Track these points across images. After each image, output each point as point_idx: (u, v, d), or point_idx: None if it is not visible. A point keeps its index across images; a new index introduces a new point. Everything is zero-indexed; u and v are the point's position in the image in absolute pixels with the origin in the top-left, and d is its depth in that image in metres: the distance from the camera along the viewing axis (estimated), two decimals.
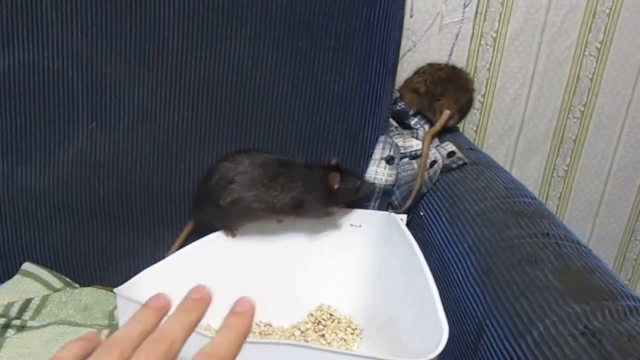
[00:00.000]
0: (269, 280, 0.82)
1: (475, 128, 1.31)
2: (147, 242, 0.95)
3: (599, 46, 1.25)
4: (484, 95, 1.29)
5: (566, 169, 1.37)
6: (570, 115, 1.32)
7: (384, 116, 0.96)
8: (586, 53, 1.26)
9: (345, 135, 0.95)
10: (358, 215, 0.88)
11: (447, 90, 1.01)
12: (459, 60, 1.24)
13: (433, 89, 1.02)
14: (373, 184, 0.91)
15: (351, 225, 0.88)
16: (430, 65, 1.08)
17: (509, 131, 1.32)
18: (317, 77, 0.92)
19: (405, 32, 1.21)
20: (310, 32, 0.90)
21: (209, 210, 0.86)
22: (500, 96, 1.29)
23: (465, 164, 0.88)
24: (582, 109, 1.32)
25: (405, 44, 1.23)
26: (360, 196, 0.88)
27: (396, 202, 0.91)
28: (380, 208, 0.92)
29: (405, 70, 1.22)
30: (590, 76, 1.28)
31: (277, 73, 0.91)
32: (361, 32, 0.91)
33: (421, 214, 0.87)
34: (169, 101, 0.90)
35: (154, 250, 0.94)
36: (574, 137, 1.34)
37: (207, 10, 0.87)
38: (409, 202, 0.86)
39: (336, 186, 0.82)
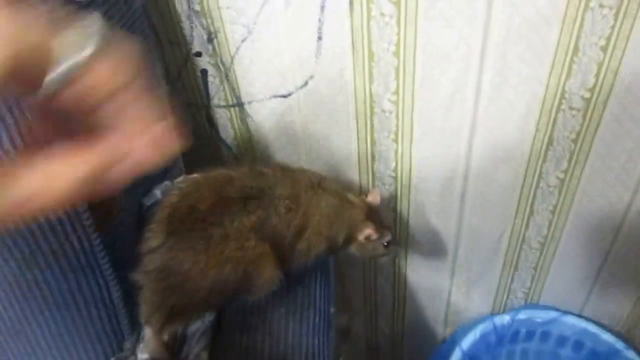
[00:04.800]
0: None
1: (393, 136, 0.87)
2: None
3: None
4: (395, 93, 0.82)
5: None
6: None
7: None
8: None
9: None
10: None
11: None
12: (341, 48, 0.76)
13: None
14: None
15: None
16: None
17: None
18: None
19: (227, 13, 0.76)
20: None
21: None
22: (430, 86, 0.81)
23: None
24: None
25: (232, 30, 0.77)
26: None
27: None
28: None
29: (245, 70, 0.80)
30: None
31: None
32: None
33: None
34: None
35: None
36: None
37: None
38: None
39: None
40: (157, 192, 0.71)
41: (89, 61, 0.24)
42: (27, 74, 0.22)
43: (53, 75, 0.23)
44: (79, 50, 0.23)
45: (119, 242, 0.64)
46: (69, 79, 0.23)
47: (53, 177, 0.25)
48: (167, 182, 0.73)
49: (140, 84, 0.26)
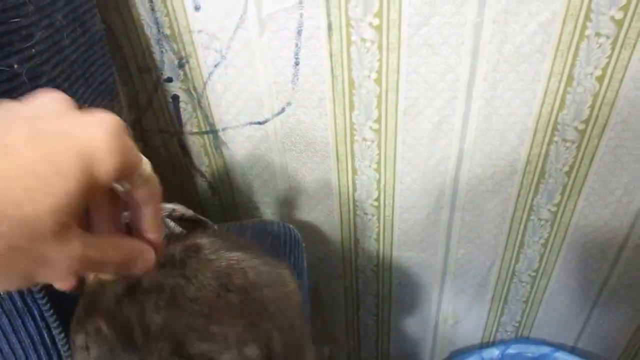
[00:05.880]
0: None
1: (375, 166, 0.81)
2: None
3: None
4: (376, 121, 0.75)
5: None
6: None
7: None
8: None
9: None
10: None
11: None
12: (319, 74, 0.70)
13: None
14: None
15: None
16: None
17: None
18: None
19: (198, 37, 0.69)
20: None
21: None
22: (414, 115, 0.74)
23: None
24: (579, 126, 0.73)
25: (204, 55, 0.71)
26: None
27: None
28: None
29: (219, 96, 0.74)
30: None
31: None
32: None
33: None
34: None
35: None
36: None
37: None
38: None
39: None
40: None
41: (150, 173, 0.33)
42: (127, 173, 0.31)
43: (139, 175, 0.32)
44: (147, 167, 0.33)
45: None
46: (143, 181, 0.33)
47: (106, 252, 0.31)
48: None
49: (159, 206, 0.36)
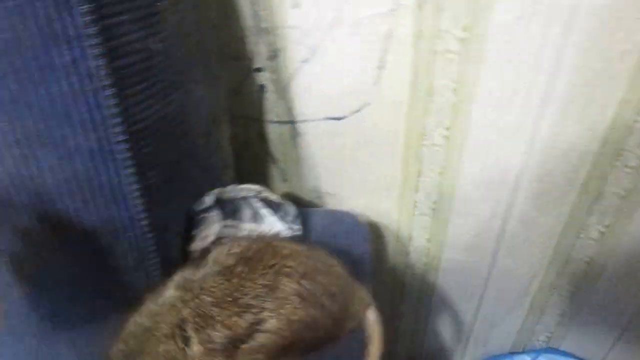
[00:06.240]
0: None
1: (439, 170, 0.84)
2: None
3: None
4: (448, 129, 0.79)
5: None
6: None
7: None
8: None
9: None
10: None
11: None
12: (401, 79, 0.74)
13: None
14: None
15: None
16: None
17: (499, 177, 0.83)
18: None
19: (291, 33, 0.73)
20: None
21: None
22: (484, 127, 0.78)
23: None
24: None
25: (295, 50, 0.75)
26: None
27: None
28: None
29: (303, 90, 0.79)
30: None
31: None
32: None
33: None
34: None
35: None
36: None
37: None
38: None
39: None
40: (207, 199, 0.69)
41: None
42: None
43: None
44: None
45: (165, 246, 0.63)
46: None
47: None
48: (218, 190, 0.72)
49: None
